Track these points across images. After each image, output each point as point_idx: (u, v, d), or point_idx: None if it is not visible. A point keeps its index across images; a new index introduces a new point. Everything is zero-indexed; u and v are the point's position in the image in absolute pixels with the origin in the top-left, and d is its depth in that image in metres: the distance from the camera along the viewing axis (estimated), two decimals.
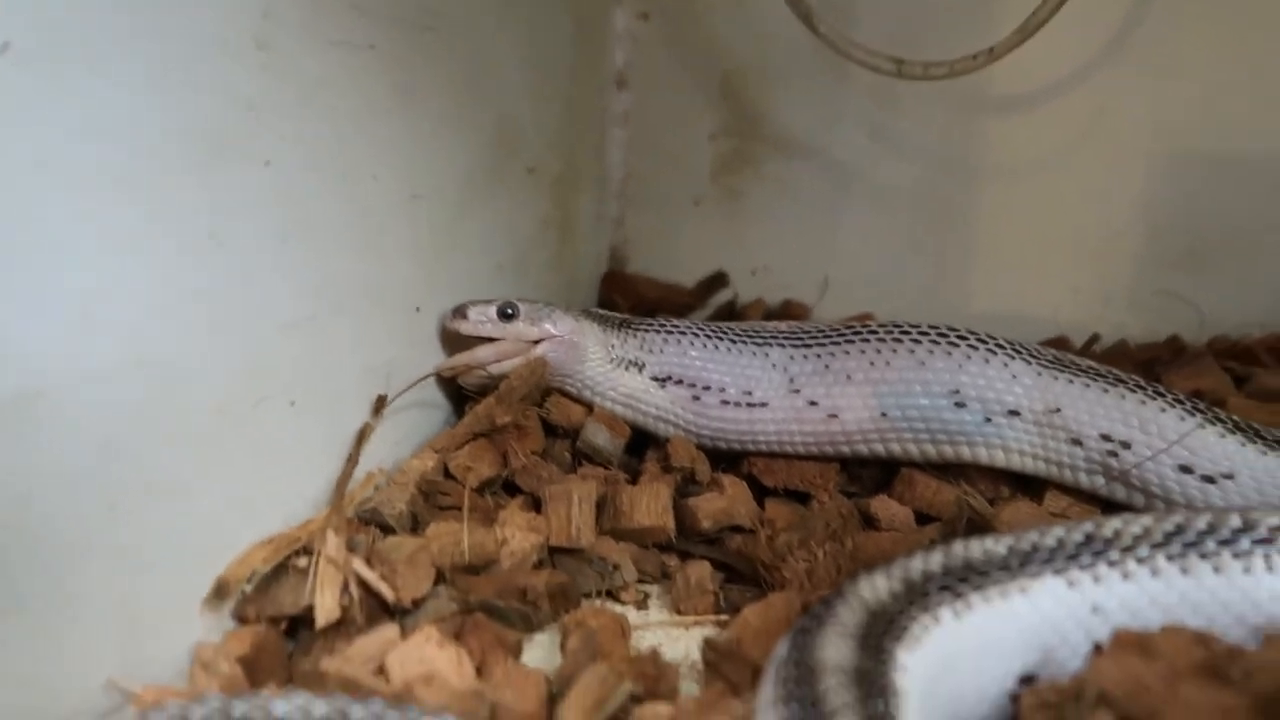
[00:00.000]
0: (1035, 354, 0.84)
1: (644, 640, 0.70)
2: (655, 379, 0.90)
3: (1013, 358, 0.84)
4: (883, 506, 0.82)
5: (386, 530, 0.72)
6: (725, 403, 0.88)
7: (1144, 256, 1.20)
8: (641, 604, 0.76)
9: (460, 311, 0.88)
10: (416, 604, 0.66)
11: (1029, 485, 0.86)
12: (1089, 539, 0.53)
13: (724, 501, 0.81)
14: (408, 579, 0.65)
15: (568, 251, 1.21)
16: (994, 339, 0.85)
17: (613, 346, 0.90)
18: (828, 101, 1.28)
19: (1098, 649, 0.51)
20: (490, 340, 0.88)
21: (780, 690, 0.44)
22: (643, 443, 0.92)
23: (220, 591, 0.61)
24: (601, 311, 0.96)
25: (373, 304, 0.78)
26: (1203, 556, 0.53)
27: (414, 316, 0.85)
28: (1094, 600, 0.51)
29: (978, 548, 0.54)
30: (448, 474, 0.80)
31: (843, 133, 1.28)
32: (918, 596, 0.51)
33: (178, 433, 0.58)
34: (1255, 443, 0.76)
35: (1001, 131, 1.24)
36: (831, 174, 1.30)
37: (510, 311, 0.88)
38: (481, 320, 0.88)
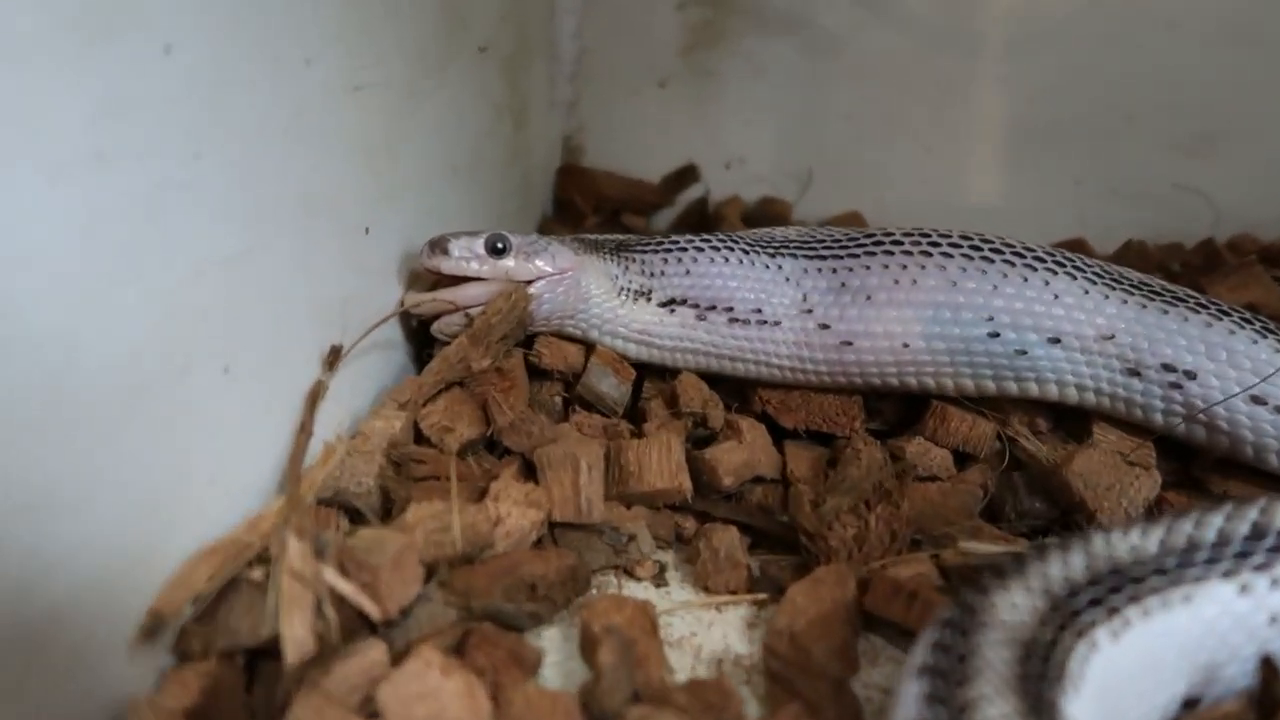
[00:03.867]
0: (1080, 268, 0.74)
1: (672, 629, 0.60)
2: (662, 305, 0.76)
3: (1054, 273, 0.73)
4: (920, 450, 0.72)
5: (354, 516, 0.59)
6: (734, 321, 0.76)
7: (1154, 142, 1.11)
8: (659, 578, 0.65)
9: (440, 246, 0.72)
10: (404, 612, 0.53)
11: (1066, 414, 0.77)
12: (1258, 530, 0.44)
13: (745, 452, 0.70)
14: (393, 585, 0.52)
15: (521, 143, 1.04)
16: (1032, 251, 0.75)
17: (616, 277, 0.76)
18: None
19: (1267, 664, 0.43)
20: (476, 280, 0.72)
21: None
22: (638, 380, 0.80)
23: (155, 625, 0.47)
24: (594, 237, 0.81)
25: (315, 229, 0.61)
26: None
27: (363, 240, 0.68)
28: (1273, 609, 0.43)
29: (1122, 545, 0.44)
30: (419, 435, 0.67)
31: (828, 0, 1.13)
32: (1068, 617, 0.41)
33: (74, 422, 0.42)
34: None
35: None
36: (815, 49, 1.15)
37: (501, 246, 0.72)
38: (466, 256, 0.71)
